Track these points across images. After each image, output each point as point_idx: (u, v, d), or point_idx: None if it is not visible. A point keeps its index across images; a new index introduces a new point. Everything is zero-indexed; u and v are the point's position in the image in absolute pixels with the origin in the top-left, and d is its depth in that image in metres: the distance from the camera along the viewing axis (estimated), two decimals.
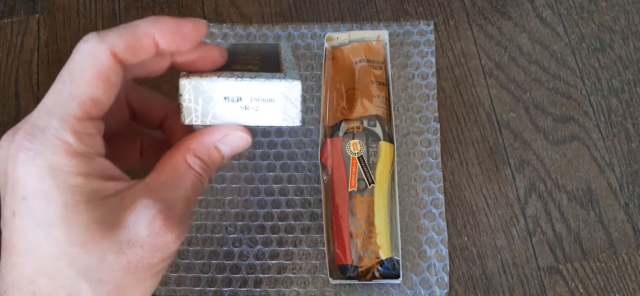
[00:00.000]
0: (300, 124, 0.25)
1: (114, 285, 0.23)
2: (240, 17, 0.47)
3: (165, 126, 0.30)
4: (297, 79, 0.25)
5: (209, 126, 0.26)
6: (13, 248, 0.22)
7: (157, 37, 0.24)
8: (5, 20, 0.47)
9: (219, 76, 0.24)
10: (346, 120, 0.40)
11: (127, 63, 0.24)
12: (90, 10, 0.48)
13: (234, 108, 0.25)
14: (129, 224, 0.23)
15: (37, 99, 0.45)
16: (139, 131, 0.31)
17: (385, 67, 0.42)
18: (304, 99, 0.43)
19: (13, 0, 0.48)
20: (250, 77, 0.25)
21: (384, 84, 0.42)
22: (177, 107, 0.25)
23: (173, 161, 0.25)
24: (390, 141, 0.39)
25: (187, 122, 0.25)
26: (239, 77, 0.24)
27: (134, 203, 0.23)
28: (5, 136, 0.23)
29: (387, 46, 0.43)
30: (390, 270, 0.37)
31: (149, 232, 0.23)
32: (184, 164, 0.25)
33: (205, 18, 0.47)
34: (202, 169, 0.26)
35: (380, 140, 0.39)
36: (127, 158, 0.30)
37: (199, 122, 0.25)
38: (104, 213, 0.22)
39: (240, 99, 0.25)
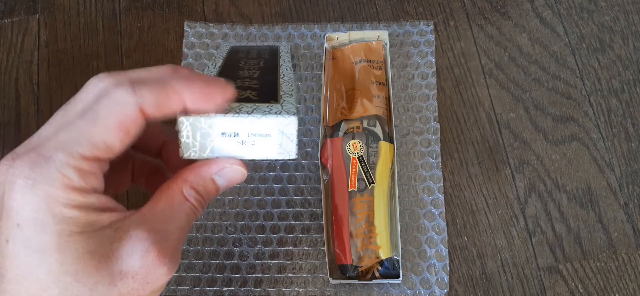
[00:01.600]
0: (296, 156, 0.26)
1: None
2: (240, 17, 0.47)
3: (163, 154, 0.30)
4: (294, 114, 0.25)
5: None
6: (5, 274, 0.22)
7: (186, 98, 0.24)
8: (6, 20, 0.48)
9: (216, 113, 0.25)
10: (346, 120, 0.40)
11: (151, 118, 0.24)
12: (90, 10, 0.48)
13: (231, 142, 0.25)
14: (122, 255, 0.23)
15: (37, 99, 0.45)
16: (131, 155, 0.31)
17: (385, 67, 0.42)
18: (303, 99, 0.43)
19: (13, 0, 0.48)
20: (247, 113, 0.25)
21: (384, 84, 0.42)
22: (175, 134, 0.25)
23: (169, 193, 0.25)
24: (390, 141, 0.40)
25: (185, 156, 0.25)
26: (236, 113, 0.25)
27: (128, 234, 0.23)
28: (5, 160, 0.22)
29: (387, 46, 0.43)
30: (390, 269, 0.37)
31: (141, 264, 0.23)
32: (180, 195, 0.25)
33: (205, 18, 0.47)
34: (197, 201, 0.26)
35: (380, 140, 0.39)
36: (119, 182, 0.30)
37: (197, 157, 0.25)
38: (98, 243, 0.22)
39: (238, 135, 0.25)
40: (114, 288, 0.23)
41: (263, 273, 0.39)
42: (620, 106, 0.43)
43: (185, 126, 0.25)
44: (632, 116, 0.43)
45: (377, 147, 0.39)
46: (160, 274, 0.24)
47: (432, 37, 0.45)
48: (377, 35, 0.43)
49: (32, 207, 0.21)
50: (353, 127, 0.40)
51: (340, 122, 0.40)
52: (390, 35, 0.45)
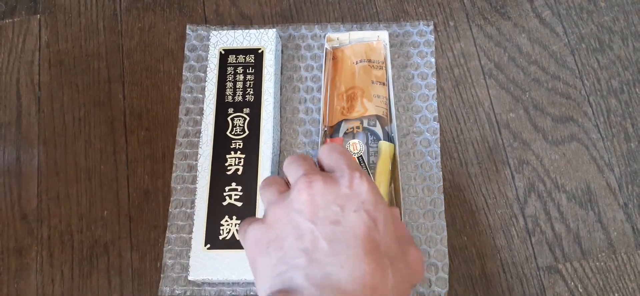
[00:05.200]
0: None
1: None
2: (240, 18, 0.47)
3: None
4: None
5: None
6: None
7: None
8: (7, 21, 0.48)
9: None
10: (346, 120, 0.40)
11: None
12: (91, 10, 0.48)
13: None
14: None
15: (39, 100, 0.45)
16: None
17: (386, 67, 0.42)
18: (303, 100, 0.43)
19: (14, 0, 0.48)
20: None
21: (384, 84, 0.42)
22: None
23: None
24: (390, 140, 0.40)
25: None
26: None
27: None
28: None
29: (387, 46, 0.43)
30: None
31: None
32: None
33: (205, 18, 0.47)
34: None
35: (380, 139, 0.39)
36: None
37: None
38: None
39: None
40: None
41: None
42: (619, 106, 0.43)
43: None
44: (632, 116, 0.43)
45: (377, 147, 0.39)
46: None
47: (431, 37, 0.45)
48: (377, 36, 0.43)
49: None
50: (353, 127, 0.40)
51: (341, 122, 0.40)
52: (390, 35, 0.45)
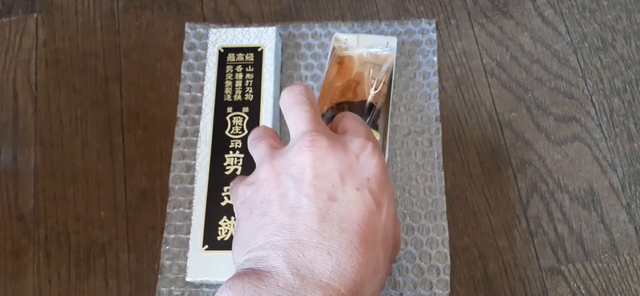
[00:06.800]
0: None
1: None
2: (239, 16, 0.47)
3: None
4: None
5: None
6: None
7: None
8: (3, 20, 0.47)
9: None
10: (333, 107, 0.39)
11: None
12: (88, 9, 0.47)
13: None
14: None
15: (35, 99, 0.45)
16: None
17: (391, 72, 0.41)
18: None
19: None
20: None
21: (385, 82, 0.41)
22: None
23: None
24: (375, 128, 0.38)
25: None
26: None
27: None
28: None
29: (395, 54, 0.42)
30: None
31: None
32: None
33: (204, 17, 0.47)
34: None
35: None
36: None
37: None
38: None
39: None
40: None
41: None
42: (622, 106, 0.43)
43: None
44: (635, 116, 0.42)
45: None
46: None
47: (434, 35, 0.44)
48: (386, 42, 0.42)
49: None
50: (338, 111, 0.39)
51: (329, 109, 0.40)
52: (391, 34, 0.44)
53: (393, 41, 0.42)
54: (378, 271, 0.22)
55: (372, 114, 0.39)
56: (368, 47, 0.42)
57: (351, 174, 0.22)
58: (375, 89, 0.40)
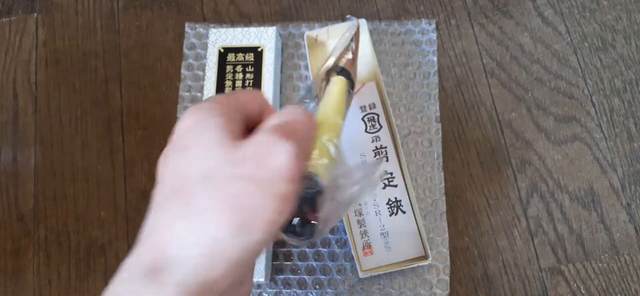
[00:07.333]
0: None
1: None
2: (239, 16, 0.47)
3: None
4: None
5: None
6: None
7: None
8: (4, 20, 0.47)
9: None
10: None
11: None
12: (88, 9, 0.47)
13: None
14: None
15: (35, 99, 0.44)
16: None
17: (356, 43, 0.38)
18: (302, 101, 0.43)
19: None
20: None
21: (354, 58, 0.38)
22: None
23: None
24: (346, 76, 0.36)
25: None
26: None
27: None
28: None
29: (361, 29, 0.40)
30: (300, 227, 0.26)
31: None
32: None
33: (204, 17, 0.47)
34: None
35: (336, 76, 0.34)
36: None
37: None
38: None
39: None
40: None
41: None
42: (622, 106, 0.43)
43: None
44: (635, 116, 0.42)
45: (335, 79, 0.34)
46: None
47: (434, 36, 0.44)
48: (357, 26, 0.41)
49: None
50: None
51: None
52: (391, 34, 0.44)
53: (363, 22, 0.41)
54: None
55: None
56: (339, 35, 0.42)
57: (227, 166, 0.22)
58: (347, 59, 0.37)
